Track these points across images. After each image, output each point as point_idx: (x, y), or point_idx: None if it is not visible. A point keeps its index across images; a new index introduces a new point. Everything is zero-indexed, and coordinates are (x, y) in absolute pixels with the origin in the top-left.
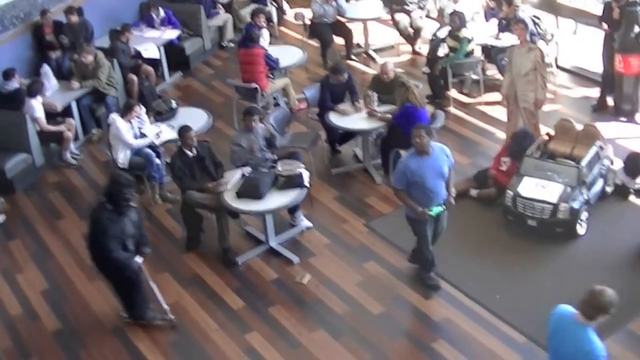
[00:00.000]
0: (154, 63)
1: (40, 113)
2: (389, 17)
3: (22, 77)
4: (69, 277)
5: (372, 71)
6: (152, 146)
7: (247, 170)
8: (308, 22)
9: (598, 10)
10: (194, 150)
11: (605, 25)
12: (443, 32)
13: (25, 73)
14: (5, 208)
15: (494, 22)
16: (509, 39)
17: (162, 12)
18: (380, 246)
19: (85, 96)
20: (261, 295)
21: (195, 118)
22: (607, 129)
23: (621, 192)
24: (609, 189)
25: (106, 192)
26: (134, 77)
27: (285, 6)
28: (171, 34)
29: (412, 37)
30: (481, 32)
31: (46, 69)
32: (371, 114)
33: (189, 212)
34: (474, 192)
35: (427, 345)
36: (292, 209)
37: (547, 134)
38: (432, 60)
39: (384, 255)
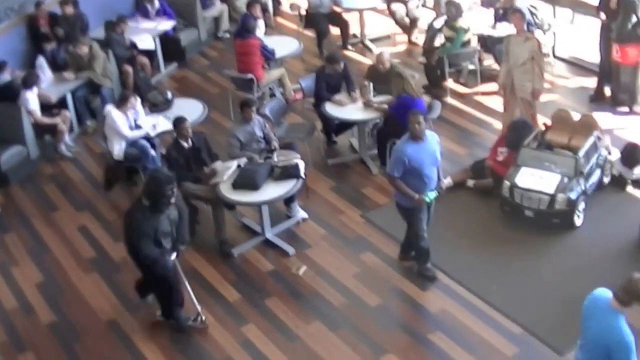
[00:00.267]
0: (150, 54)
1: (35, 105)
2: (385, 7)
3: (16, 69)
4: (64, 270)
5: (368, 61)
6: (147, 138)
7: (243, 161)
8: (304, 13)
9: None
10: (190, 142)
11: (602, 15)
12: (439, 22)
13: (20, 65)
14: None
15: (491, 11)
16: (505, 29)
17: (157, 3)
18: (376, 237)
19: (80, 88)
20: (257, 287)
21: (191, 109)
22: (605, 119)
23: (618, 182)
24: (606, 180)
25: (145, 188)
26: (129, 69)
27: None
28: (166, 24)
29: (408, 27)
30: (478, 21)
31: (41, 60)
32: (367, 104)
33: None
34: (470, 183)
35: (424, 336)
36: (288, 200)
37: (544, 124)
38: (429, 50)
39: (380, 246)
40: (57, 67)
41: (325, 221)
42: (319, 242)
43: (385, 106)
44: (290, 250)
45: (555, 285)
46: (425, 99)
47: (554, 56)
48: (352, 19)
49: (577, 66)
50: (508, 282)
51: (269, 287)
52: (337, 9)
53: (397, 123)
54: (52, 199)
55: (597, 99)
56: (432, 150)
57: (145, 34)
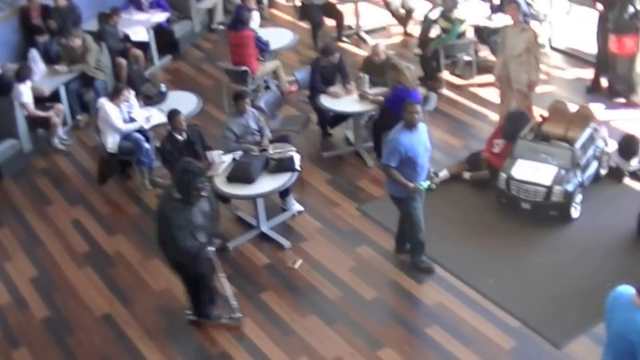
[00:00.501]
0: (143, 46)
1: (28, 98)
2: None
3: (8, 62)
4: (58, 265)
5: (363, 53)
6: (141, 130)
7: (238, 153)
8: (298, 4)
9: None
10: (184, 135)
11: (599, 5)
12: (435, 13)
13: (13, 58)
14: None
15: (487, 2)
16: (501, 20)
17: None
18: (372, 230)
19: (73, 81)
20: (252, 281)
21: (185, 102)
22: (601, 110)
23: (615, 174)
24: (603, 172)
25: (176, 180)
26: (123, 61)
27: None
28: (160, 16)
29: (403, 18)
30: (474, 12)
31: (34, 53)
32: (363, 96)
33: None
34: (466, 175)
35: (421, 330)
36: (283, 193)
37: (541, 116)
38: (424, 42)
39: (376, 239)
40: (49, 59)
41: (320, 214)
42: (315, 235)
43: (381, 98)
44: (286, 243)
45: (552, 278)
46: (421, 90)
47: (551, 47)
48: (347, 10)
49: (574, 57)
50: (505, 274)
51: (264, 280)
52: (332, 0)
53: (392, 115)
54: (46, 193)
55: (593, 90)
56: (424, 139)
57: (138, 26)
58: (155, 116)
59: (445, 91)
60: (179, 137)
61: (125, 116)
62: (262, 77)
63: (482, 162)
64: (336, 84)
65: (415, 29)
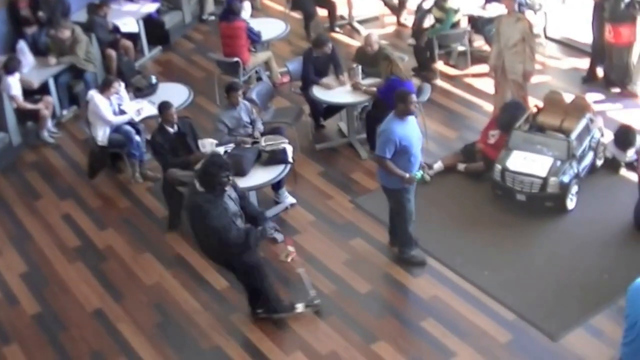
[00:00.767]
0: (133, 38)
1: (17, 91)
2: None
3: None
4: (48, 259)
5: (356, 43)
6: (131, 123)
7: (230, 146)
8: None
9: None
10: (175, 127)
11: None
12: (429, 3)
13: (0, 50)
14: None
15: None
16: (496, 9)
17: None
18: (366, 223)
19: (62, 73)
20: None
21: (176, 94)
22: (597, 100)
23: (611, 165)
24: (599, 162)
25: (199, 174)
26: (113, 53)
27: None
28: (150, 7)
29: (397, 8)
30: (468, 2)
31: (22, 45)
32: (356, 87)
33: (170, 191)
34: (461, 167)
35: (416, 323)
36: (276, 186)
37: (536, 107)
38: (418, 32)
39: (370, 232)
40: (38, 51)
41: (313, 207)
42: (308, 228)
43: (374, 89)
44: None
45: (548, 270)
46: (415, 81)
47: (546, 37)
48: (339, 0)
49: (569, 47)
50: (500, 267)
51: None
52: None
53: (386, 106)
54: (35, 187)
55: (589, 80)
56: (416, 129)
57: (128, 17)
58: (146, 108)
59: (439, 82)
60: (170, 130)
61: (115, 108)
62: (254, 69)
63: (477, 154)
64: (329, 75)
65: (408, 19)
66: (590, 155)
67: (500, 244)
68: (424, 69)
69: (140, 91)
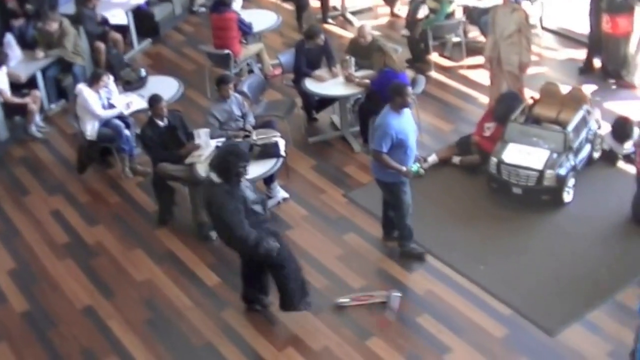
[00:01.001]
0: (122, 30)
1: (4, 84)
2: None
3: None
4: (37, 256)
5: (349, 35)
6: (121, 117)
7: (221, 140)
8: None
9: None
10: (165, 121)
11: None
12: None
13: None
14: None
15: None
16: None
17: None
18: (360, 217)
19: (50, 66)
20: (237, 270)
21: (166, 87)
22: (594, 92)
23: (609, 157)
24: (596, 155)
25: (215, 164)
26: (102, 45)
27: None
28: None
29: None
30: None
31: (9, 38)
32: (349, 80)
33: (160, 185)
34: (456, 160)
35: (411, 319)
36: (268, 180)
37: (532, 98)
38: (412, 23)
39: (364, 226)
40: (25, 44)
41: (306, 201)
42: (300, 222)
43: (367, 81)
44: None
45: (544, 264)
46: (409, 73)
47: (542, 27)
48: None
49: (566, 37)
50: (496, 261)
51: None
52: None
53: (379, 98)
54: (23, 183)
55: (586, 71)
56: (411, 121)
57: (117, 9)
58: (135, 102)
59: (433, 74)
60: (160, 123)
61: (104, 102)
62: (245, 61)
63: (472, 146)
64: (321, 67)
65: (402, 10)
66: (587, 147)
67: (496, 238)
68: (418, 61)
69: (129, 84)
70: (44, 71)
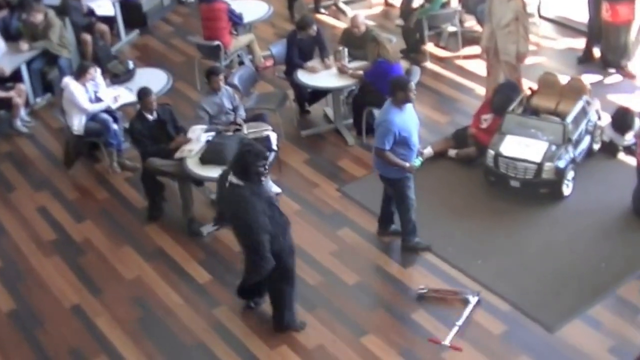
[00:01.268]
0: (109, 21)
1: None
2: None
3: None
4: (23, 254)
5: (342, 25)
6: (108, 111)
7: (211, 134)
8: None
9: None
10: (155, 114)
11: None
12: None
13: None
14: None
15: None
16: None
17: None
18: (354, 212)
19: (35, 59)
20: (229, 267)
21: (154, 79)
22: (594, 82)
23: (609, 149)
24: (596, 147)
25: (234, 165)
26: (88, 37)
27: None
28: None
29: None
30: None
31: None
32: (342, 71)
33: (150, 181)
34: (452, 152)
35: (407, 316)
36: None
37: (530, 89)
38: (406, 12)
39: (358, 221)
40: (9, 36)
41: (299, 196)
42: (294, 218)
43: (361, 72)
44: None
45: (543, 259)
46: (404, 64)
47: (540, 16)
48: None
49: (565, 26)
50: (494, 256)
51: (241, 266)
52: None
53: (373, 90)
54: (9, 179)
55: (585, 60)
56: (414, 115)
57: (103, 0)
58: (123, 95)
59: (429, 64)
60: (149, 117)
61: (91, 96)
62: (236, 52)
63: (468, 139)
64: (314, 58)
65: None
66: (587, 139)
67: (494, 232)
68: (413, 51)
69: (117, 77)
70: (28, 64)
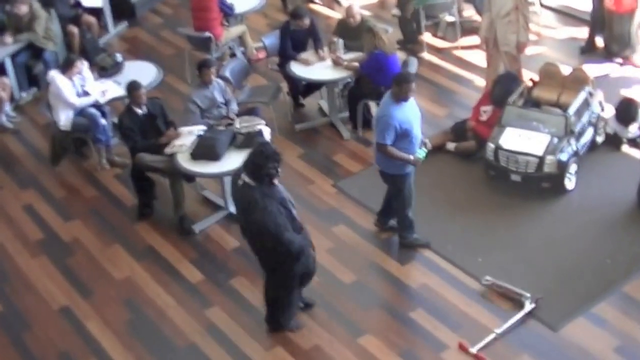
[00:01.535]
0: (96, 12)
1: None
2: None
3: None
4: (9, 255)
5: (337, 15)
6: (96, 105)
7: (202, 128)
8: None
9: None
10: (144, 108)
11: None
12: None
13: None
14: None
15: None
16: None
17: None
18: (350, 208)
19: (20, 52)
20: (221, 266)
21: (144, 72)
22: (597, 72)
23: (613, 141)
24: (599, 139)
25: (246, 164)
26: (75, 29)
27: None
28: None
29: None
30: None
31: None
32: (337, 63)
33: (139, 177)
34: (451, 146)
35: (405, 314)
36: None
37: (531, 80)
38: (403, 2)
39: (355, 218)
40: None
41: (294, 192)
42: None
43: (357, 64)
44: None
45: (546, 255)
46: (400, 55)
47: (541, 4)
48: None
49: (567, 15)
50: (494, 253)
51: (234, 265)
52: None
53: (369, 82)
54: None
55: (588, 50)
56: (415, 108)
57: None
58: (112, 89)
59: (426, 55)
60: (139, 112)
61: (78, 90)
62: (227, 44)
63: (468, 132)
64: (308, 49)
65: None
66: (590, 131)
67: (495, 228)
68: (410, 42)
69: (105, 70)
70: (13, 57)
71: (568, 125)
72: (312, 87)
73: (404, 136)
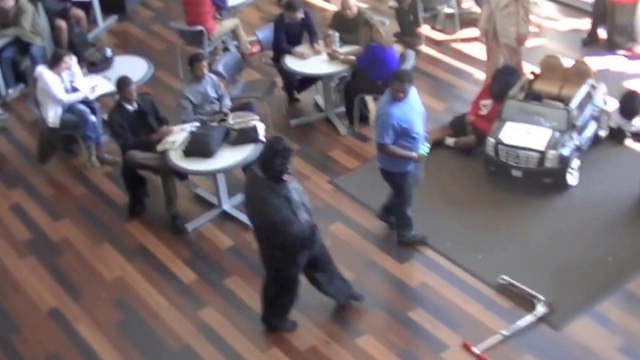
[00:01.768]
0: (85, 6)
1: None
2: None
3: None
4: None
5: (332, 7)
6: (86, 101)
7: (195, 125)
8: None
9: None
10: (135, 104)
11: None
12: None
13: None
14: None
15: None
16: None
17: None
18: (347, 205)
19: (6, 47)
20: (215, 265)
21: (134, 67)
22: (600, 65)
23: (616, 135)
24: (602, 133)
25: (260, 154)
26: (63, 23)
27: None
28: None
29: None
30: None
31: None
32: (332, 56)
33: (130, 175)
34: (450, 141)
35: (404, 314)
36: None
37: (532, 73)
38: None
39: (352, 215)
40: None
41: None
42: None
43: (353, 58)
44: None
45: (548, 253)
46: (398, 48)
47: None
48: None
49: (568, 6)
50: (495, 250)
51: (228, 265)
52: None
53: (366, 76)
54: None
55: (590, 42)
56: (416, 105)
57: None
58: (101, 85)
59: (424, 48)
60: (129, 108)
61: (67, 86)
62: (220, 38)
63: (467, 126)
64: (303, 43)
65: None
66: (593, 125)
67: (495, 225)
68: (407, 34)
69: (94, 66)
70: None
71: (570, 119)
72: (307, 81)
73: (404, 134)
